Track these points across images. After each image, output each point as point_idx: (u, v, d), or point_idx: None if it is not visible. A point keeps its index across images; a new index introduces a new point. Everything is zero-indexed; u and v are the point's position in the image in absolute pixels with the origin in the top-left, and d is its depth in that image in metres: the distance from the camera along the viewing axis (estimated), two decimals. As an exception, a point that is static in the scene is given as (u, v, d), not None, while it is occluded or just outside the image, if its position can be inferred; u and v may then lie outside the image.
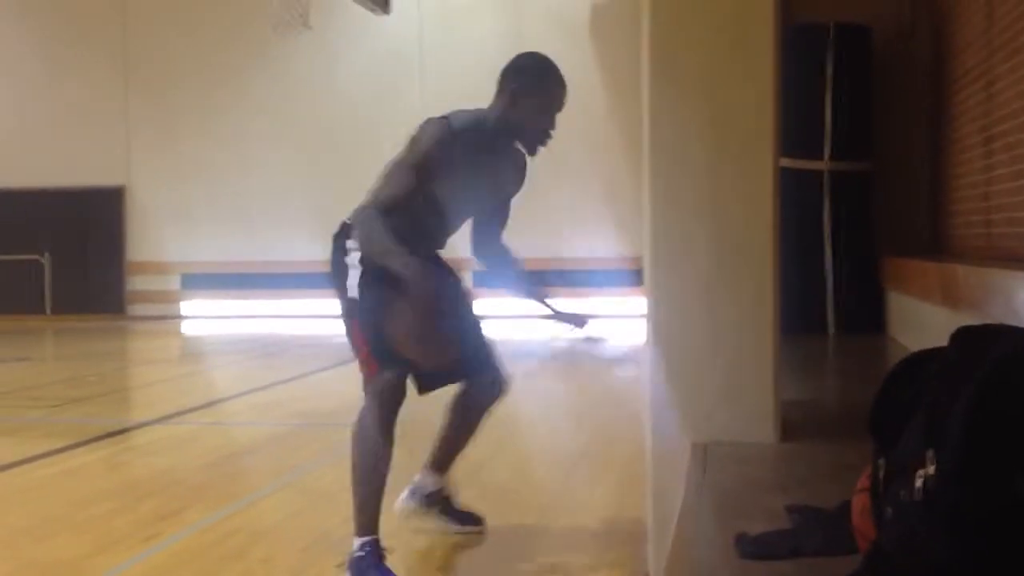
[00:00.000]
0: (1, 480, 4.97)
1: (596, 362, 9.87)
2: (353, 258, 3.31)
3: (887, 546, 1.32)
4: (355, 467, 3.28)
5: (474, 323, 3.59)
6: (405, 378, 3.29)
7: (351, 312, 3.32)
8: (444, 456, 3.76)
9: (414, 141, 3.33)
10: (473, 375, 3.58)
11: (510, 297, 3.66)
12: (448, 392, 3.65)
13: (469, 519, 3.79)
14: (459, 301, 3.54)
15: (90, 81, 15.48)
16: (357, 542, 3.22)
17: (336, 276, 3.37)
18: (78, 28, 15.55)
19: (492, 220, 3.66)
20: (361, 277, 3.28)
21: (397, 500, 3.72)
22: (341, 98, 14.86)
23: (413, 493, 3.76)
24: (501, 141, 3.42)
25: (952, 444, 1.18)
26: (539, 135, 3.37)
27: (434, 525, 3.75)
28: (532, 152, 3.43)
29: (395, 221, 3.25)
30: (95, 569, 3.54)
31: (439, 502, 3.76)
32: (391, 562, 3.25)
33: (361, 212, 3.31)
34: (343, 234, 3.38)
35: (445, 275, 3.49)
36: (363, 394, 3.31)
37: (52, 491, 4.70)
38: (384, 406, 3.24)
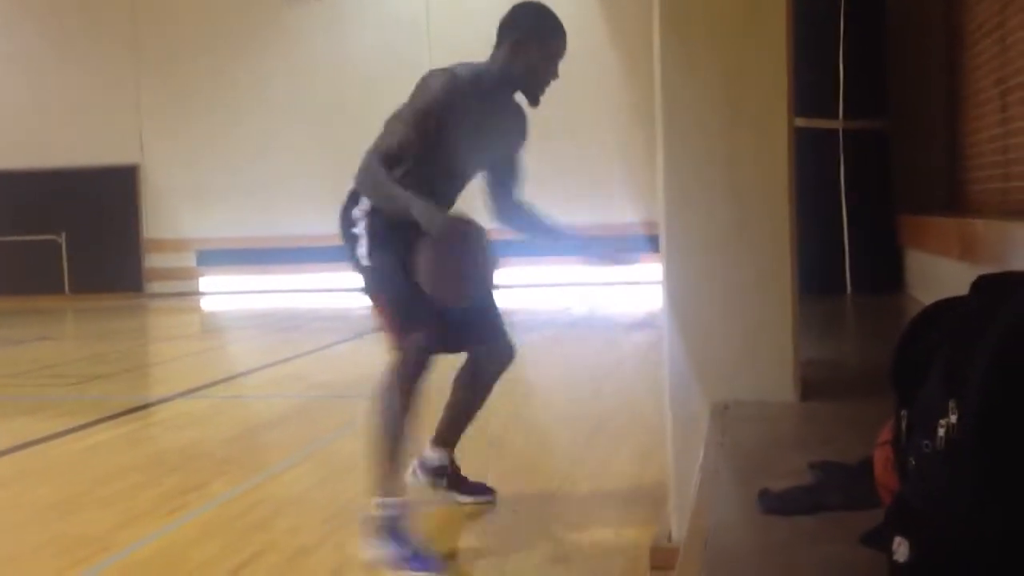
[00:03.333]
0: (27, 456, 5.02)
1: (614, 328, 9.88)
2: (360, 227, 3.31)
3: (911, 498, 1.32)
4: (379, 429, 3.25)
5: (488, 287, 3.55)
6: (432, 342, 3.26)
7: (368, 279, 3.33)
8: (450, 430, 3.75)
9: (418, 91, 3.31)
10: (481, 342, 3.56)
11: (548, 249, 3.62)
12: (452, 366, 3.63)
13: (479, 489, 3.79)
14: (478, 248, 3.42)
15: (101, 60, 15.48)
16: (374, 501, 3.21)
17: (348, 247, 3.38)
18: (88, 7, 15.53)
19: (505, 180, 3.63)
20: (370, 242, 3.29)
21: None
22: (352, 70, 14.82)
23: (419, 468, 3.76)
24: (503, 93, 3.40)
25: (974, 392, 1.18)
26: (541, 84, 3.35)
27: (444, 499, 3.75)
28: (535, 103, 3.40)
29: (403, 179, 3.25)
30: (121, 542, 3.58)
31: (447, 476, 3.75)
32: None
33: (362, 162, 3.30)
34: (350, 203, 3.38)
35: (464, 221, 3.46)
36: (389, 359, 3.30)
37: (77, 467, 4.75)
38: (410, 369, 3.22)
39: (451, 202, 3.51)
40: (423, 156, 3.30)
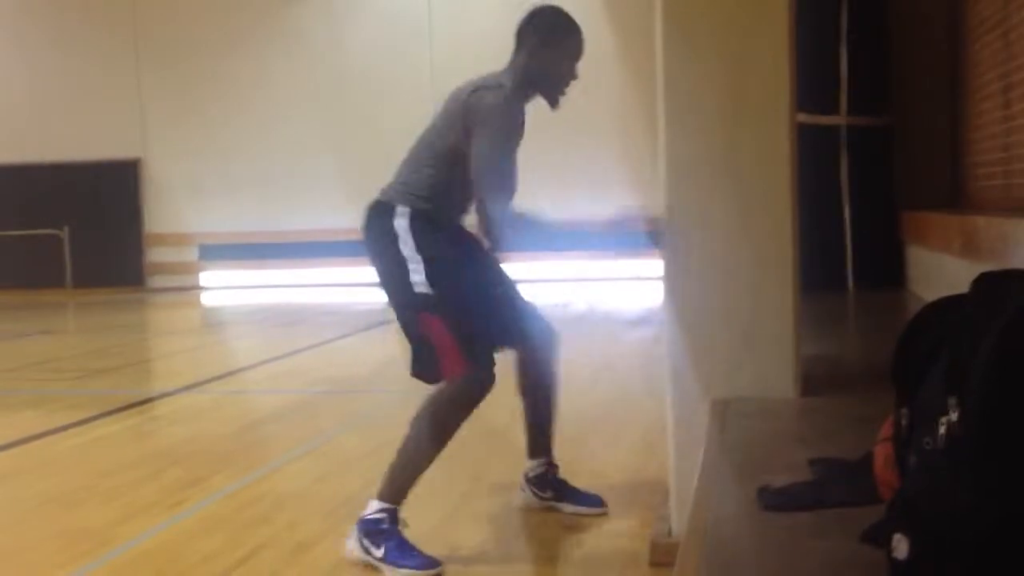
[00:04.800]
0: (28, 451, 5.03)
1: (613, 324, 9.88)
2: (408, 245, 3.19)
3: (911, 495, 1.32)
4: (415, 445, 3.18)
5: (508, 292, 3.51)
6: (493, 373, 3.20)
7: (423, 306, 3.17)
8: (536, 437, 3.66)
9: (487, 116, 3.18)
10: (525, 336, 3.50)
11: (548, 254, 3.59)
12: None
13: (590, 500, 3.66)
14: (495, 289, 3.46)
15: (102, 53, 15.48)
16: (376, 505, 3.18)
17: (385, 261, 3.24)
18: (89, 2, 15.52)
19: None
20: (426, 267, 3.17)
21: (514, 499, 3.68)
22: (354, 65, 14.82)
23: (525, 484, 3.68)
24: (526, 99, 3.38)
25: (975, 389, 1.18)
26: (561, 86, 3.34)
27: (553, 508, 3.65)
28: (555, 104, 3.38)
29: (445, 192, 3.24)
30: (123, 536, 3.59)
31: (551, 485, 3.66)
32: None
33: (495, 217, 3.24)
34: (385, 215, 3.26)
35: (483, 266, 3.44)
36: (444, 384, 3.18)
37: (78, 461, 4.75)
38: (469, 407, 3.17)
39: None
40: (457, 176, 3.25)
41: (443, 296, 3.17)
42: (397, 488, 3.20)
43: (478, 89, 3.25)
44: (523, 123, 3.38)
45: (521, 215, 3.24)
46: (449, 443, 3.21)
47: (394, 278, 3.23)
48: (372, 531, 3.16)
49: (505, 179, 3.20)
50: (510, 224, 3.23)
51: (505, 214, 3.20)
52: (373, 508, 3.19)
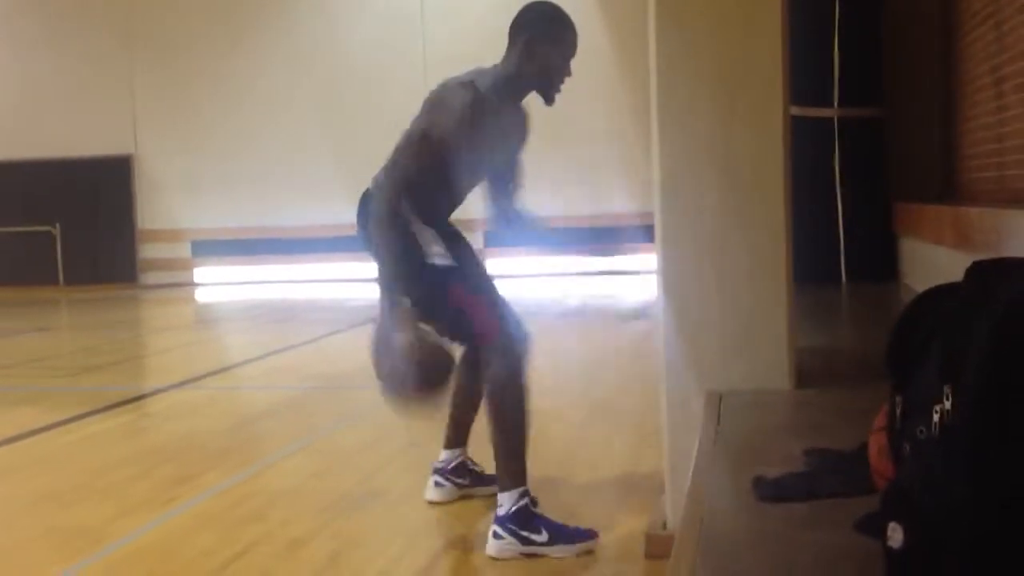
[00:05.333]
0: (22, 448, 5.02)
1: (609, 318, 9.89)
2: (419, 224, 3.26)
3: (905, 484, 1.32)
4: (505, 423, 3.24)
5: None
6: (526, 331, 3.36)
7: (448, 279, 3.28)
8: (460, 429, 3.78)
9: (438, 108, 3.24)
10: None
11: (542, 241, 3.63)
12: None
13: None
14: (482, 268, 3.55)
15: (94, 50, 15.44)
16: (513, 494, 3.21)
17: (402, 248, 3.24)
18: (80, -3, 15.49)
19: (507, 183, 3.60)
20: (444, 240, 3.29)
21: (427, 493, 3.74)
22: (346, 61, 14.80)
23: (441, 477, 3.77)
24: (517, 97, 3.38)
25: (969, 378, 1.17)
26: (556, 83, 3.33)
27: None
28: (550, 101, 3.37)
29: (415, 202, 3.23)
30: (116, 533, 3.58)
31: (468, 472, 3.78)
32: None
33: (381, 188, 3.22)
34: (388, 202, 3.25)
35: (468, 248, 3.48)
36: (484, 355, 3.28)
37: (72, 458, 4.74)
38: (521, 364, 3.27)
39: (451, 212, 3.50)
40: (440, 179, 3.28)
41: (463, 268, 3.32)
42: (515, 471, 3.25)
43: (449, 84, 3.30)
44: (515, 125, 3.42)
45: (391, 219, 3.20)
46: (529, 407, 3.28)
47: (408, 255, 3.27)
48: (524, 520, 3.19)
49: (418, 168, 3.22)
50: (380, 210, 3.21)
51: (385, 198, 3.20)
52: (511, 501, 3.21)
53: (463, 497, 3.76)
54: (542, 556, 3.16)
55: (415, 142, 3.25)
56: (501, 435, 3.25)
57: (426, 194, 3.27)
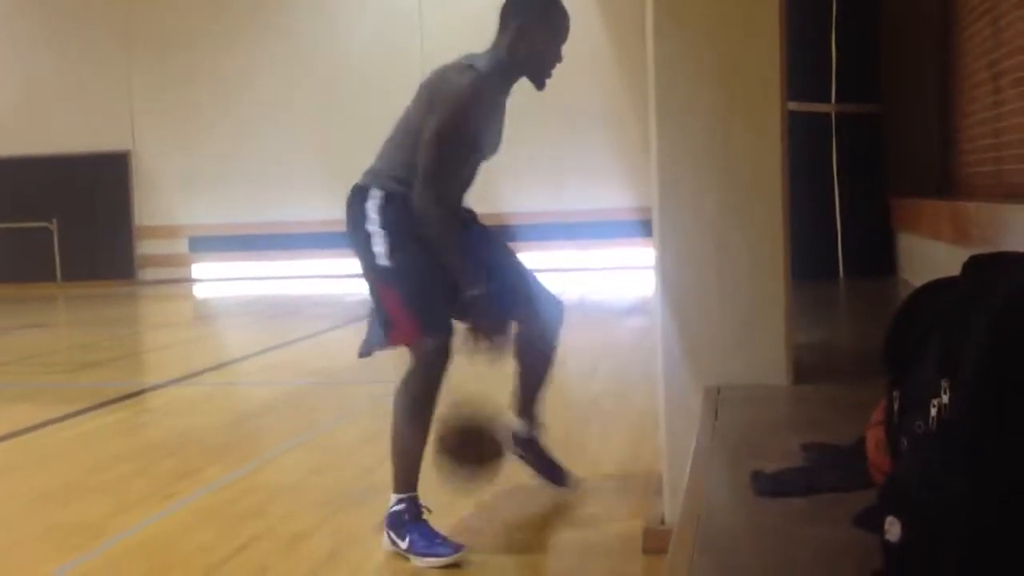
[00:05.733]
0: (20, 444, 5.02)
1: (606, 313, 9.89)
2: (374, 224, 3.23)
3: (903, 478, 1.32)
4: (399, 428, 3.24)
5: (512, 263, 3.53)
6: (450, 342, 3.22)
7: (383, 278, 3.24)
8: (523, 399, 3.72)
9: (441, 94, 3.20)
10: (531, 308, 3.52)
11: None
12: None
13: (555, 475, 3.75)
14: (499, 259, 3.49)
15: (93, 47, 15.42)
16: (395, 498, 3.22)
17: (357, 240, 3.29)
18: (77, -7, 15.46)
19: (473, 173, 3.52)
20: (390, 240, 3.22)
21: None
22: (344, 58, 14.78)
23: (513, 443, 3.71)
24: (510, 81, 3.36)
25: (967, 371, 1.18)
26: (547, 68, 3.32)
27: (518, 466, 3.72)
28: (541, 86, 3.35)
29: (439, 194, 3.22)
30: (115, 529, 3.58)
31: (523, 444, 3.73)
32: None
33: (417, 191, 3.19)
34: (360, 198, 3.29)
35: (480, 243, 3.44)
36: (408, 365, 3.24)
37: (70, 454, 4.74)
38: (431, 370, 3.19)
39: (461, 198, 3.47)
40: (455, 169, 3.26)
41: (400, 269, 3.22)
42: (403, 476, 3.23)
43: (447, 71, 3.27)
44: (502, 103, 3.38)
45: (445, 214, 3.21)
46: (432, 415, 3.23)
47: (361, 254, 3.28)
48: (396, 523, 3.20)
49: (441, 166, 3.20)
50: (425, 212, 3.19)
51: (424, 199, 3.18)
52: (393, 501, 3.22)
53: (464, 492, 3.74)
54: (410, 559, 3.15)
55: (430, 143, 3.19)
56: (397, 443, 3.24)
57: (445, 187, 3.26)
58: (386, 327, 3.26)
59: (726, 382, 3.02)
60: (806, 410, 2.83)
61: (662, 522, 3.14)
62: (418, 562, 3.12)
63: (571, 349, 7.27)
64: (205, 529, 3.53)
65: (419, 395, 3.21)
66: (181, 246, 15.60)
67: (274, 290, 13.56)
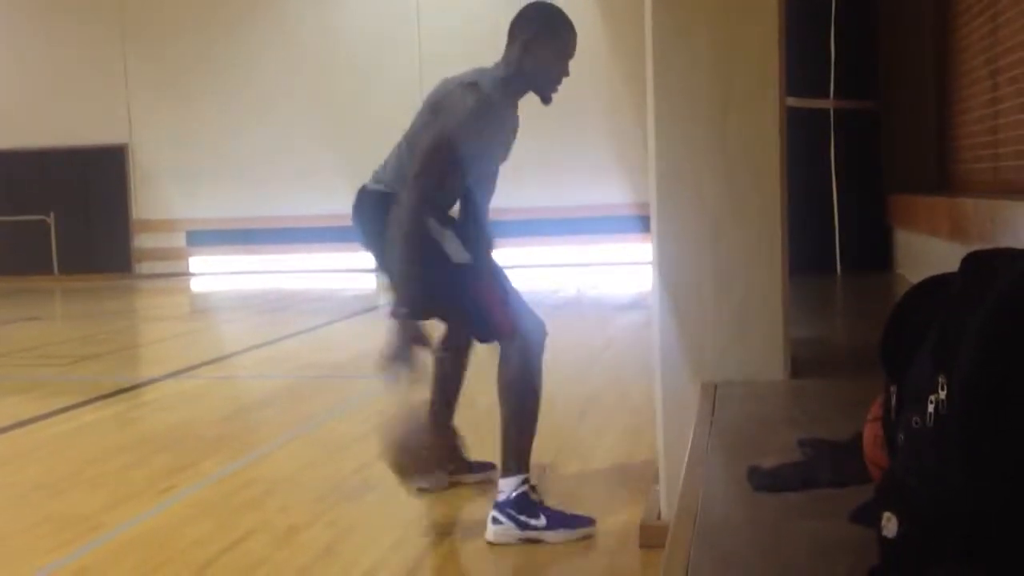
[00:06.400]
0: (17, 437, 5.02)
1: (604, 309, 9.89)
2: (435, 225, 3.26)
3: (900, 474, 1.32)
4: (519, 415, 3.29)
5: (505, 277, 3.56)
6: (541, 320, 3.40)
7: (467, 278, 3.31)
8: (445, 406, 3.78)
9: (448, 115, 3.22)
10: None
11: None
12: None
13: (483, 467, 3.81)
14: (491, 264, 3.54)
15: (88, 39, 15.39)
16: (515, 481, 3.24)
17: (380, 244, 3.29)
18: (74, -14, 15.43)
19: (487, 186, 3.56)
20: (455, 238, 3.31)
21: None
22: (341, 52, 14.77)
23: None
24: (517, 96, 3.38)
25: (963, 367, 1.18)
26: (554, 82, 3.34)
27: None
28: (547, 100, 3.37)
29: (431, 205, 3.25)
30: (112, 522, 3.58)
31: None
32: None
33: (407, 201, 3.20)
34: (387, 202, 3.28)
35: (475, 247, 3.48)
36: (503, 349, 3.32)
37: (67, 447, 4.74)
38: (538, 355, 3.33)
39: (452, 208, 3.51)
40: (452, 182, 3.30)
41: (479, 264, 3.36)
42: (521, 457, 3.29)
43: (453, 88, 3.29)
44: (513, 123, 3.42)
45: (418, 226, 3.21)
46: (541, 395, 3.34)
47: (428, 258, 3.26)
48: (524, 505, 3.22)
49: (431, 175, 3.21)
50: (400, 216, 3.20)
51: (405, 204, 3.19)
52: (512, 486, 3.24)
53: (454, 484, 3.76)
54: (539, 541, 3.17)
55: (427, 153, 3.22)
56: (514, 426, 3.29)
57: (440, 197, 3.30)
58: (487, 321, 3.34)
59: (723, 377, 3.02)
60: (803, 405, 2.83)
61: (659, 517, 3.14)
62: (552, 537, 3.18)
63: (569, 344, 7.30)
64: (202, 522, 3.53)
65: (528, 375, 3.30)
66: (178, 239, 15.58)
67: (271, 284, 13.56)
